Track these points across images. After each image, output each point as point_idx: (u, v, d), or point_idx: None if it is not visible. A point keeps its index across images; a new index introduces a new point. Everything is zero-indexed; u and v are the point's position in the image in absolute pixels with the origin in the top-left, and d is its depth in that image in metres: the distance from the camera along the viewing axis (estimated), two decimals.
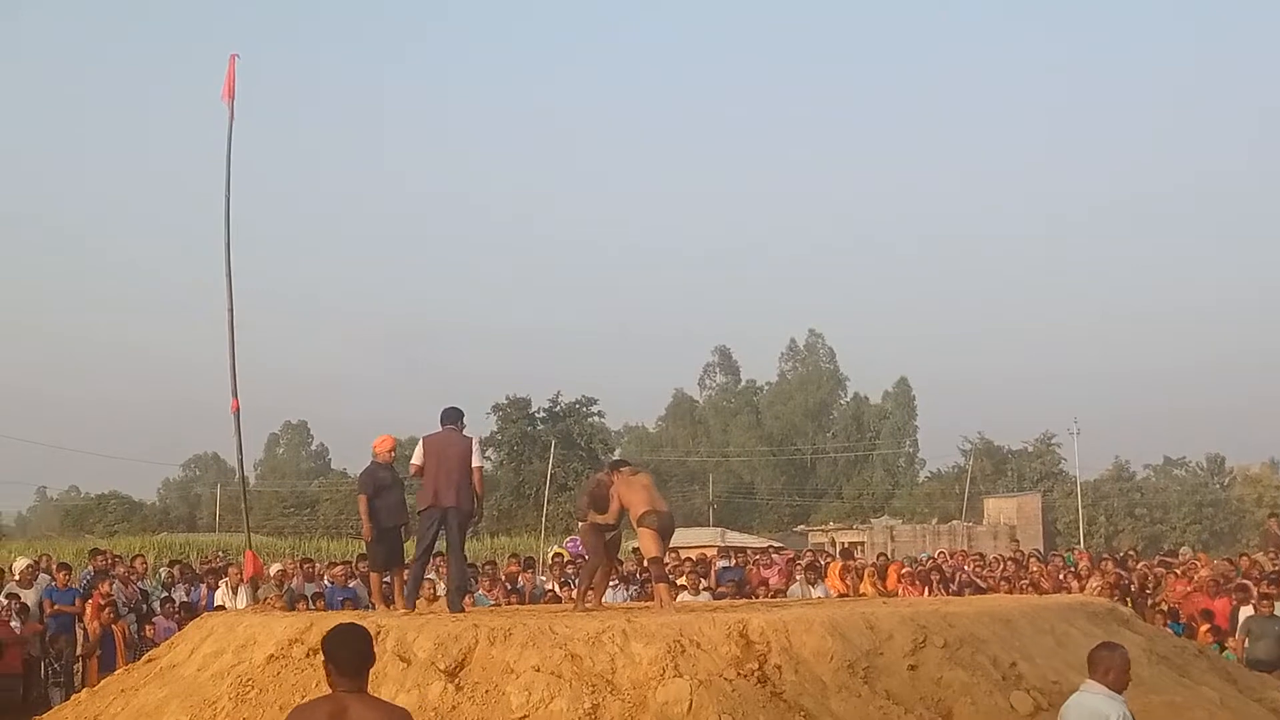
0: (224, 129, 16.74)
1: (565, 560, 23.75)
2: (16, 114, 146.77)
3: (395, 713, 6.00)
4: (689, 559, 24.20)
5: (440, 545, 14.16)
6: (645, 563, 14.73)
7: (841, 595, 21.04)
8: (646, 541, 13.89)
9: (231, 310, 16.56)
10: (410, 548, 14.55)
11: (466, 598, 18.60)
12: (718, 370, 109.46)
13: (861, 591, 21.66)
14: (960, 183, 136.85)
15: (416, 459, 13.67)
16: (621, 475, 14.21)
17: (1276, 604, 18.57)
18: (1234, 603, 19.11)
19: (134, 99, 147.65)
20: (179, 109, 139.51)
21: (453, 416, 13.77)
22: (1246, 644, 17.74)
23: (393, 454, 14.71)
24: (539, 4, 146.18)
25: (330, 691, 5.94)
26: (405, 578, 14.21)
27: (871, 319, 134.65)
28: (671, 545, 15.93)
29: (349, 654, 5.88)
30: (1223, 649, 17.60)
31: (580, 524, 15.19)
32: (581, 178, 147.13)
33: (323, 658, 5.95)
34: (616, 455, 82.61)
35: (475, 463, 13.47)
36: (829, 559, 26.91)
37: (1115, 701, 7.69)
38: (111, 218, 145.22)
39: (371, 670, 6.06)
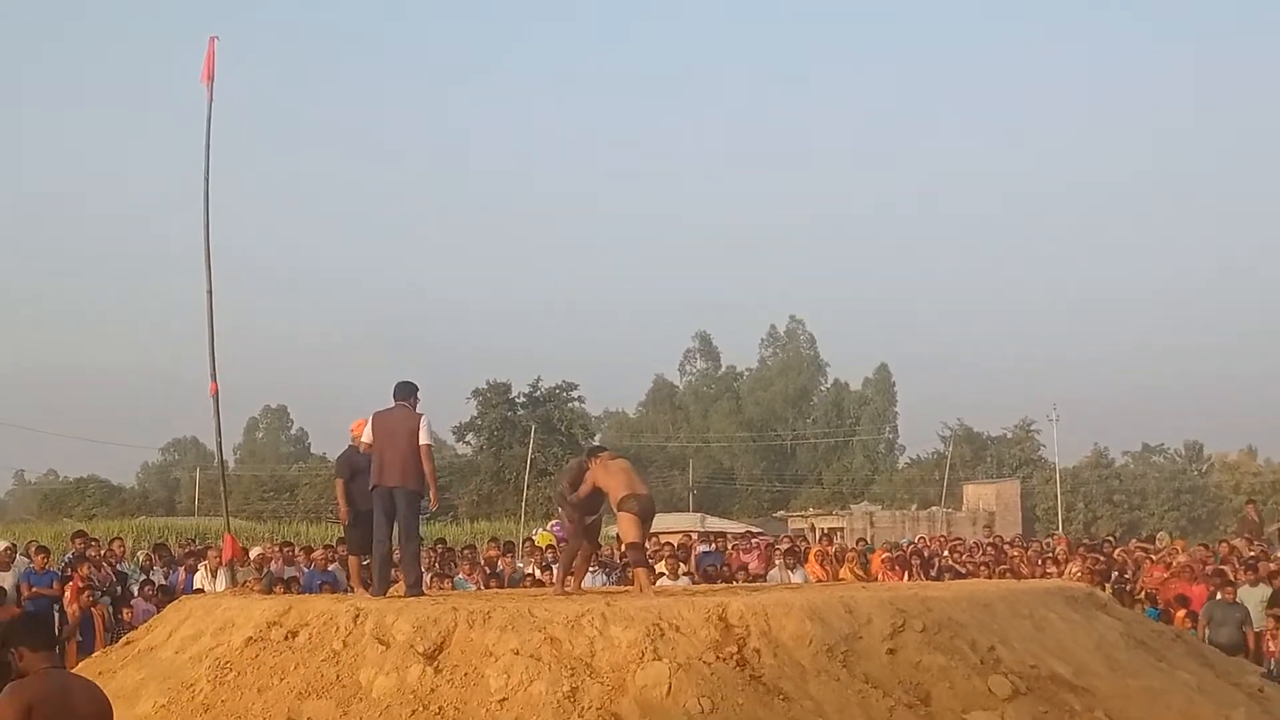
0: (204, 110, 16.69)
1: (547, 545, 23.75)
2: None
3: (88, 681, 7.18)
4: (669, 544, 24.21)
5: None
6: (623, 547, 14.61)
7: (820, 580, 21.07)
8: (626, 526, 13.72)
9: (210, 292, 16.50)
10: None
11: (445, 582, 18.64)
12: (698, 356, 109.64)
13: (841, 577, 21.71)
14: (938, 168, 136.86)
15: (365, 436, 13.27)
16: (599, 460, 14.07)
17: (1240, 590, 18.73)
18: (1211, 589, 19.22)
19: (115, 71, 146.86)
20: (162, 86, 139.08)
21: (405, 392, 13.27)
22: (1208, 630, 17.86)
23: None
24: None
25: (40, 669, 6.81)
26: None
27: (851, 305, 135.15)
28: (651, 530, 15.85)
29: (48, 635, 7.05)
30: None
31: (560, 508, 15.00)
32: (562, 161, 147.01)
33: (20, 645, 6.84)
34: (596, 441, 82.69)
35: (423, 440, 12.89)
36: (807, 545, 26.97)
37: None
38: (91, 197, 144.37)
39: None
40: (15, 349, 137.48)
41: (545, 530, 29.93)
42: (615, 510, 13.82)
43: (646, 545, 15.20)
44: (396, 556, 13.62)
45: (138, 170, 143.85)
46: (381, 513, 13.04)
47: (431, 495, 13.06)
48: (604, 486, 13.79)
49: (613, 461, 14.12)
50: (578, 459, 15.00)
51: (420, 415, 13.16)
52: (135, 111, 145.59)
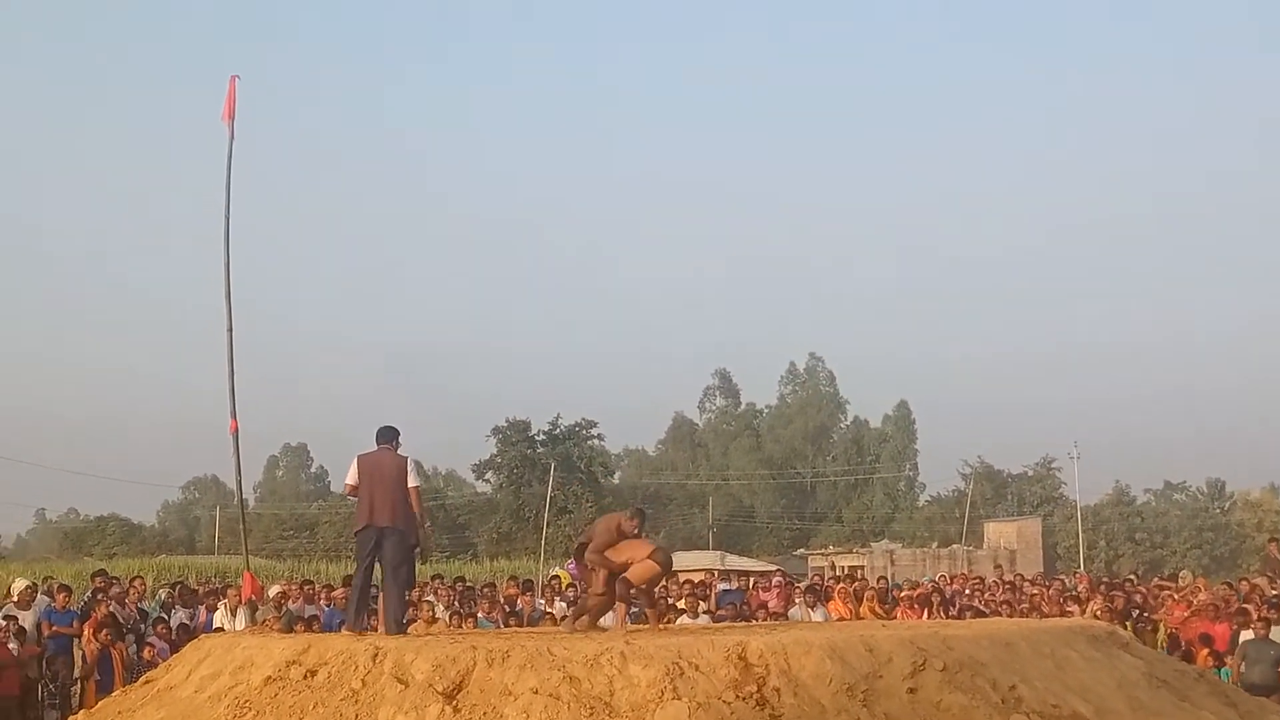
0: (224, 150, 16.75)
1: (565, 584, 23.71)
2: (12, 133, 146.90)
3: None
4: (688, 582, 24.16)
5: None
6: (636, 585, 14.60)
7: (843, 618, 20.99)
8: (645, 570, 13.87)
9: (231, 331, 16.52)
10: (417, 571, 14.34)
11: (466, 620, 18.60)
12: (718, 393, 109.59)
13: (862, 615, 21.62)
14: (959, 205, 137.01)
15: (350, 478, 13.38)
16: (627, 537, 14.16)
17: (1274, 629, 18.57)
18: (1234, 627, 19.09)
19: (133, 118, 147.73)
20: (179, 129, 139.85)
21: (387, 435, 13.43)
22: (1242, 668, 17.74)
23: None
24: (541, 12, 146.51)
25: None
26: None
27: (871, 343, 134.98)
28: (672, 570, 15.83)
29: None
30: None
31: (589, 558, 14.87)
32: (581, 200, 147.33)
33: None
34: (616, 479, 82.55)
35: (411, 482, 13.05)
36: (833, 580, 26.88)
37: None
38: (111, 237, 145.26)
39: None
40: (35, 389, 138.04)
41: (564, 569, 29.91)
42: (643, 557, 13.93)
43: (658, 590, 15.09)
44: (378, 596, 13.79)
45: (157, 211, 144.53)
46: (366, 553, 13.15)
47: (419, 536, 13.23)
48: (629, 557, 13.88)
49: (637, 539, 14.20)
50: (615, 516, 14.85)
51: (406, 458, 13.29)
52: (154, 153, 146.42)
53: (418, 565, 14.30)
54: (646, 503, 76.27)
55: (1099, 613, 20.45)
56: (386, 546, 13.00)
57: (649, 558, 13.78)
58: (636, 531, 14.27)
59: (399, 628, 13.06)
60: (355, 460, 13.38)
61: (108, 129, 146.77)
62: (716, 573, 34.77)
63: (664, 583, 16.86)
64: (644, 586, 13.87)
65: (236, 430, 16.71)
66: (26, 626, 18.17)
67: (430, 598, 21.26)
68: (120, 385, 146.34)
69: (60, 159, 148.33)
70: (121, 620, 18.69)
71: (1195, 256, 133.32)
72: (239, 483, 18.01)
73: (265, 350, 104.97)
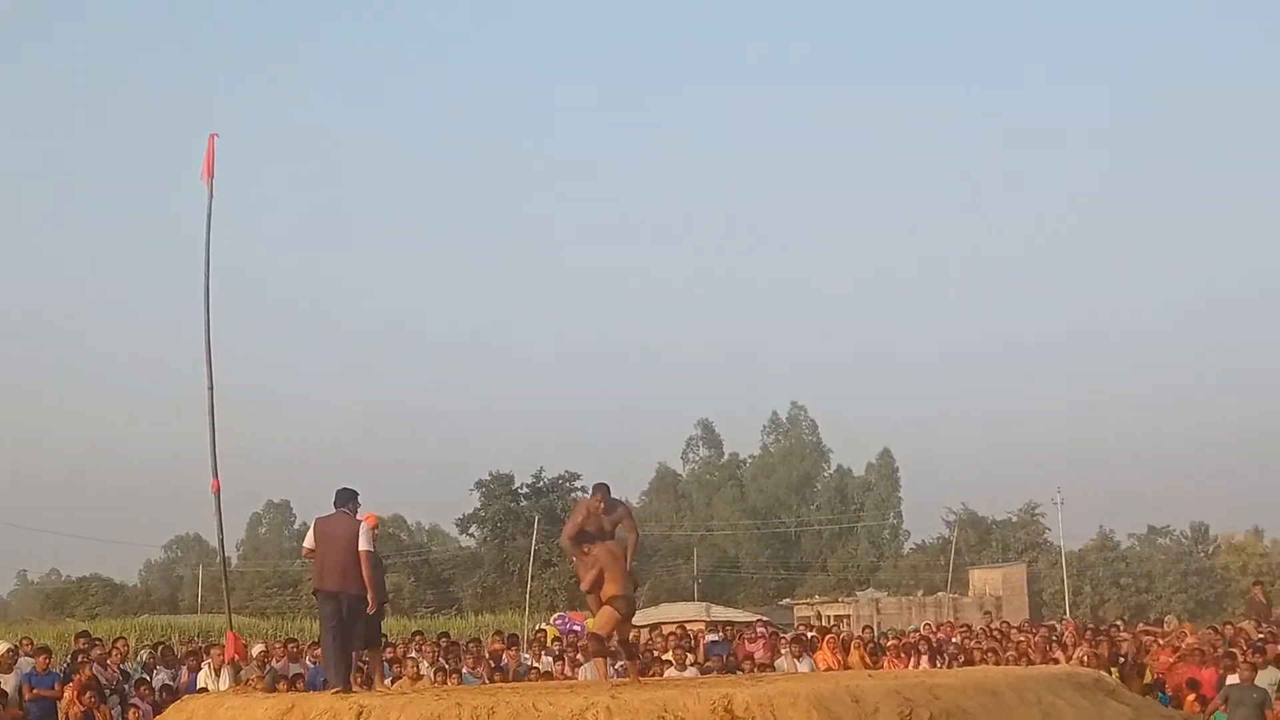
0: (202, 210, 16.74)
1: (551, 638, 23.64)
2: None
3: None
4: (673, 633, 24.09)
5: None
6: (589, 633, 14.88)
7: (830, 668, 20.94)
8: (606, 619, 14.13)
9: (211, 389, 16.50)
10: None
11: (450, 676, 18.52)
12: (700, 444, 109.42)
13: (849, 664, 21.58)
14: (936, 255, 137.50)
15: (308, 542, 13.70)
16: (606, 547, 14.34)
17: (1260, 673, 18.58)
18: (1221, 672, 19.09)
19: (103, 182, 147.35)
20: (149, 192, 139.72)
21: (343, 498, 13.66)
22: (1225, 711, 17.73)
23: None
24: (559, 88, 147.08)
25: None
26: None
27: (853, 391, 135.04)
28: (657, 620, 16.01)
29: None
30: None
31: (561, 542, 15.26)
32: (564, 258, 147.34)
33: None
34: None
35: (362, 546, 13.20)
36: (818, 630, 26.83)
37: None
38: (89, 301, 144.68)
39: None
40: (17, 450, 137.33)
41: (550, 624, 29.84)
42: (601, 598, 14.14)
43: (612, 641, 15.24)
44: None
45: (138, 268, 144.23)
46: (327, 615, 13.40)
47: (370, 599, 13.28)
48: (606, 573, 14.07)
49: (618, 550, 14.38)
50: (584, 502, 15.21)
51: (360, 521, 13.46)
52: (132, 212, 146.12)
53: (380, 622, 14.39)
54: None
55: (1085, 659, 20.45)
56: (340, 609, 13.22)
57: (608, 603, 14.01)
58: (601, 505, 14.56)
59: (342, 682, 13.11)
60: (313, 524, 13.71)
61: (77, 196, 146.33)
62: (704, 624, 34.68)
63: (635, 632, 17.00)
64: (610, 634, 14.12)
65: (218, 489, 16.66)
66: (8, 689, 18.03)
67: (414, 654, 21.17)
68: (100, 444, 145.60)
69: (33, 224, 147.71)
70: (104, 682, 18.58)
71: (1173, 310, 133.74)
72: (221, 541, 17.92)
73: (246, 407, 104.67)
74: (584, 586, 14.56)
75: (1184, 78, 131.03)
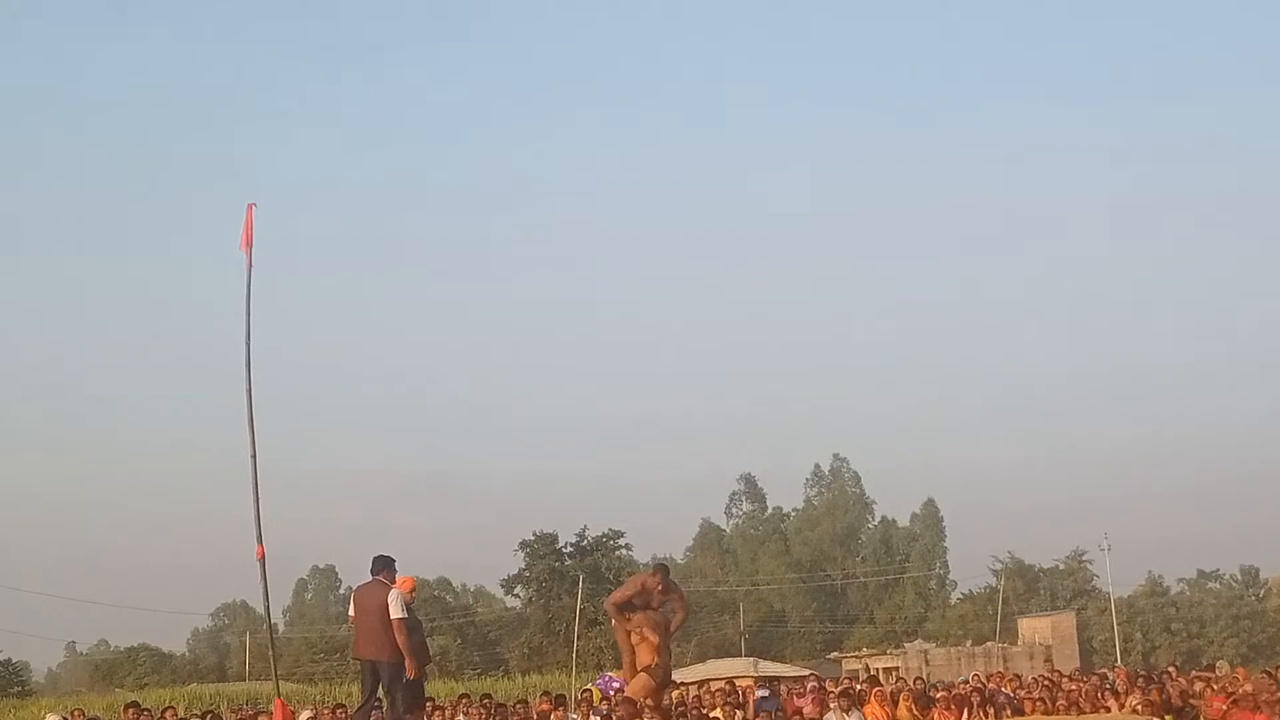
0: (243, 278, 16.86)
1: (598, 699, 23.55)
2: (27, 278, 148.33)
3: None
4: (721, 689, 23.97)
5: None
6: (623, 698, 15.03)
7: None
8: (640, 686, 14.24)
9: (255, 456, 16.57)
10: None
11: None
12: (744, 498, 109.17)
13: (899, 717, 21.42)
14: (980, 303, 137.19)
15: (351, 610, 14.05)
16: (649, 616, 14.37)
17: None
18: (1275, 717, 18.85)
19: (142, 251, 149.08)
20: (189, 259, 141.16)
21: (378, 565, 13.79)
22: None
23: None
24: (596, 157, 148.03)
25: None
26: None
27: (896, 442, 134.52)
28: (705, 677, 16.13)
29: None
30: None
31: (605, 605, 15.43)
32: (602, 309, 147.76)
33: None
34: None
35: (394, 614, 13.31)
36: (866, 683, 26.64)
37: None
38: (133, 367, 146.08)
39: None
40: (63, 523, 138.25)
41: (595, 685, 29.73)
42: (637, 665, 14.28)
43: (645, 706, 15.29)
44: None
45: (176, 337, 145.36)
46: (365, 682, 13.82)
47: (408, 665, 13.38)
48: (646, 640, 14.15)
49: (660, 623, 14.49)
50: (641, 577, 15.24)
51: (390, 588, 13.55)
52: (169, 280, 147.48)
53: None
54: None
55: (1139, 707, 20.24)
56: (381, 677, 13.51)
57: (645, 670, 14.18)
58: (660, 586, 14.68)
59: None
60: (352, 592, 14.14)
61: (117, 261, 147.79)
62: (753, 680, 34.48)
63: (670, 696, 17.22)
64: (644, 700, 14.30)
65: (263, 555, 16.69)
66: None
67: (461, 717, 21.13)
68: (145, 515, 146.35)
69: (71, 293, 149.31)
70: None
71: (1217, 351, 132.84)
72: (267, 608, 17.92)
73: (290, 474, 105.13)
74: (624, 668, 14.75)
75: None
